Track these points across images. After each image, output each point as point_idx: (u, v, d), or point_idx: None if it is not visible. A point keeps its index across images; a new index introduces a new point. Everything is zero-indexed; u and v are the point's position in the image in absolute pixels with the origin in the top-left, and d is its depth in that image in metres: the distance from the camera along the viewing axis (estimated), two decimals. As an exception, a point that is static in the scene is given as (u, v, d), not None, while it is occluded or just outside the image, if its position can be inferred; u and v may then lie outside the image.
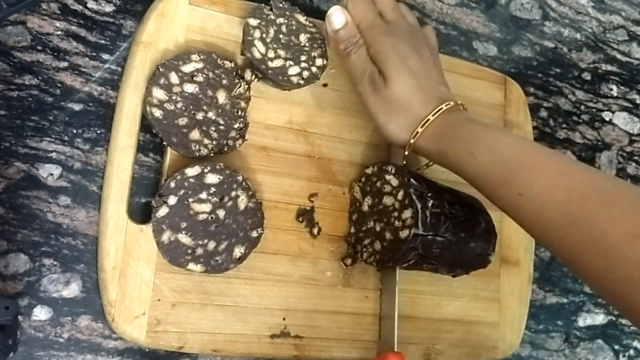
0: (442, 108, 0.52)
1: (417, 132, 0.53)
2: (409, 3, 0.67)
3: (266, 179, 0.56)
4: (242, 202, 0.52)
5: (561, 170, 0.46)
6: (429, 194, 0.55)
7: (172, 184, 0.50)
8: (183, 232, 0.50)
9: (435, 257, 0.56)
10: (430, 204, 0.54)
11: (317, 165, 0.58)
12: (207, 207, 0.51)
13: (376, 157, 0.61)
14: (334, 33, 0.54)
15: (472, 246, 0.57)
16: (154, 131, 0.51)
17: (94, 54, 0.53)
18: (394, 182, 0.56)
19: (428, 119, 0.52)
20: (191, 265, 0.50)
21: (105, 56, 0.54)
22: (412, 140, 0.53)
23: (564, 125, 0.74)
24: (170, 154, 0.52)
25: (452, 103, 0.53)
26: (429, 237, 0.54)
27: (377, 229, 0.56)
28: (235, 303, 0.53)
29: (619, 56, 0.78)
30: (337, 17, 0.54)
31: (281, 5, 0.57)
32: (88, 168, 0.52)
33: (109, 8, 0.55)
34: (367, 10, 0.55)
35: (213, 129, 0.52)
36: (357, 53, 0.54)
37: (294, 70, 0.56)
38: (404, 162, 0.56)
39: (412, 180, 0.55)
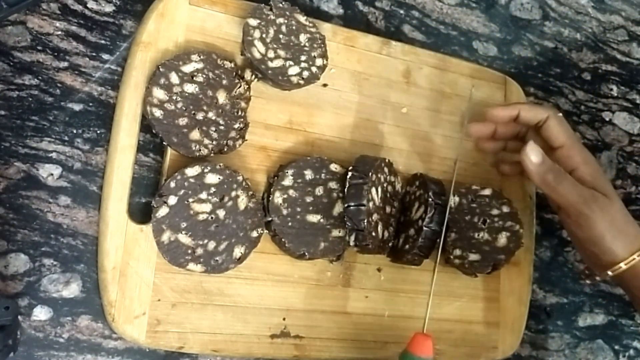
0: None
1: None
2: (409, 3, 0.67)
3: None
4: (242, 202, 0.52)
5: None
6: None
7: (172, 184, 0.50)
8: (183, 232, 0.50)
9: (420, 247, 0.56)
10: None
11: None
12: (207, 207, 0.51)
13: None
14: (536, 167, 0.55)
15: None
16: (154, 131, 0.51)
17: (94, 54, 0.53)
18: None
19: None
20: (191, 265, 0.50)
21: (105, 56, 0.54)
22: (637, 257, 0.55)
23: (564, 125, 0.74)
24: (170, 154, 0.52)
25: None
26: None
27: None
28: (235, 303, 0.53)
29: (619, 56, 0.78)
30: (535, 151, 0.55)
31: (281, 5, 0.57)
32: (88, 168, 0.52)
33: (109, 8, 0.55)
34: (568, 130, 0.58)
35: (213, 129, 0.52)
36: (567, 179, 0.55)
37: (294, 70, 0.56)
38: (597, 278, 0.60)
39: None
